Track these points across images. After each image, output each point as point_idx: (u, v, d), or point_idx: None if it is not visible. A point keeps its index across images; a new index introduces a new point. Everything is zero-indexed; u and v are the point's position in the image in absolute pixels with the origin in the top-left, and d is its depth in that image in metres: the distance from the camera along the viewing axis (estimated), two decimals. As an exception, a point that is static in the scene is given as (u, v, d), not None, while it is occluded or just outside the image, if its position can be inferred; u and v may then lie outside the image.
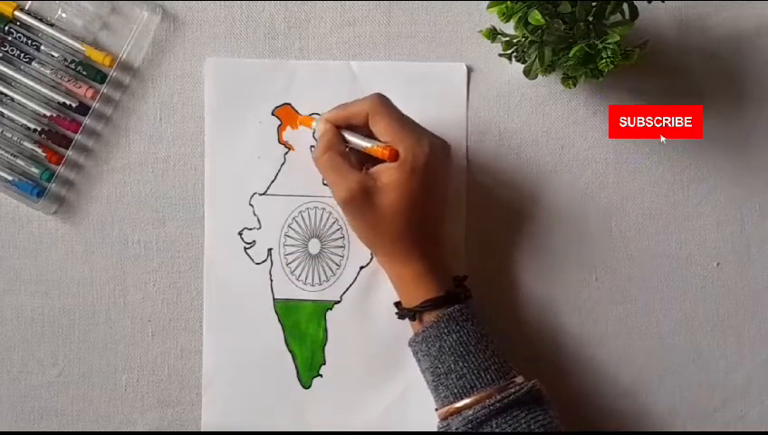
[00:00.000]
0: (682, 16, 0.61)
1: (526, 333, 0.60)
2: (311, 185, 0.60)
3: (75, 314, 0.61)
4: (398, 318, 0.56)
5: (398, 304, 0.56)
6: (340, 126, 0.55)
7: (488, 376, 0.51)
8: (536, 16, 0.50)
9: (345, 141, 0.55)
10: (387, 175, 0.53)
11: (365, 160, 0.55)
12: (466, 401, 0.51)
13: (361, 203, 0.53)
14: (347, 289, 0.60)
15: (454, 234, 0.60)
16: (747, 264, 0.61)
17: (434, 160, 0.53)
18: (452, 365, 0.52)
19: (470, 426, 0.50)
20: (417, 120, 0.55)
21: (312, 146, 0.60)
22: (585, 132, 0.61)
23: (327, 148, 0.54)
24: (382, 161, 0.54)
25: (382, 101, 0.54)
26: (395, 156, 0.53)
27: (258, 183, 0.60)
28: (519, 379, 0.52)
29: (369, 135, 0.55)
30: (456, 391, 0.51)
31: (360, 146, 0.54)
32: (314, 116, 0.59)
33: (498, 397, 0.50)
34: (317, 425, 0.60)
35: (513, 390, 0.50)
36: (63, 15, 0.60)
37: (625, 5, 0.53)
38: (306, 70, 0.61)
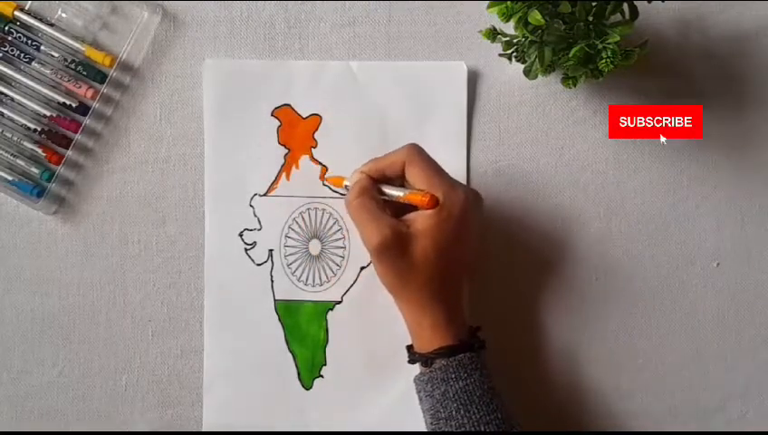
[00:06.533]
0: (682, 16, 0.61)
1: (522, 330, 0.60)
2: (311, 186, 0.60)
3: (75, 314, 0.61)
4: (409, 362, 0.55)
5: (409, 348, 0.55)
6: (376, 179, 0.55)
7: (487, 430, 0.50)
8: (536, 16, 0.50)
9: (380, 193, 0.54)
10: (421, 221, 0.52)
11: (399, 215, 0.54)
12: None
13: (394, 249, 0.51)
14: (348, 289, 0.60)
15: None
16: (747, 264, 0.61)
17: (468, 209, 0.53)
18: (453, 412, 0.51)
19: None
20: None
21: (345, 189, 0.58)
22: (585, 132, 0.61)
23: (360, 193, 0.53)
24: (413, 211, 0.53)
25: (417, 150, 0.54)
26: (434, 202, 0.52)
27: (258, 184, 0.60)
28: None
29: (403, 187, 0.54)
30: None
31: (397, 196, 0.54)
32: (344, 175, 0.57)
33: None
34: (318, 426, 0.60)
35: None
36: (63, 15, 0.60)
37: (625, 5, 0.53)
38: (306, 70, 0.61)
